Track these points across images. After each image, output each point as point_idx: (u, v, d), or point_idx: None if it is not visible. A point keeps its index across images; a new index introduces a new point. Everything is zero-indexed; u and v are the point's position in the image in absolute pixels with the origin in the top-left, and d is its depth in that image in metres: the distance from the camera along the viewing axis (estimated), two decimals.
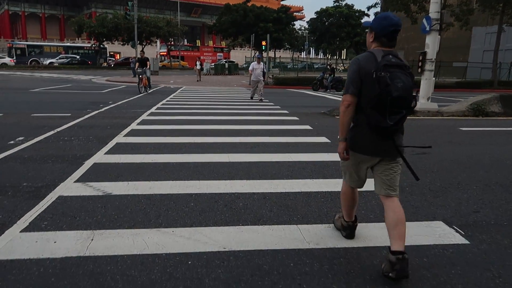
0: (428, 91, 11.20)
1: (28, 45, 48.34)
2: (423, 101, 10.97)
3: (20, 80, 23.17)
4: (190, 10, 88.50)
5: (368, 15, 54.66)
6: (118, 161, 4.99)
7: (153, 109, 10.44)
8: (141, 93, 15.40)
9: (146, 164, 4.85)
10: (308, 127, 8.12)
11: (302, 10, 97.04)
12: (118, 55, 64.22)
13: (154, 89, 18.83)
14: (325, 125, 8.38)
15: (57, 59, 44.20)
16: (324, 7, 53.31)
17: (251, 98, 14.27)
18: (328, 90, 21.06)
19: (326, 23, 53.93)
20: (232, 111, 10.59)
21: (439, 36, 11.08)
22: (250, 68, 13.91)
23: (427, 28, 10.93)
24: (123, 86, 20.54)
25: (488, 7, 23.14)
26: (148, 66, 16.52)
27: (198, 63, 27.33)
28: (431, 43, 10.92)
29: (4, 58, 42.12)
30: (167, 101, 12.99)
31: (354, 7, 53.59)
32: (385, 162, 2.49)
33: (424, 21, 11.14)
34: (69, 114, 8.93)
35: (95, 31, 42.34)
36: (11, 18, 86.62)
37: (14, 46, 46.40)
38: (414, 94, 2.32)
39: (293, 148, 6.00)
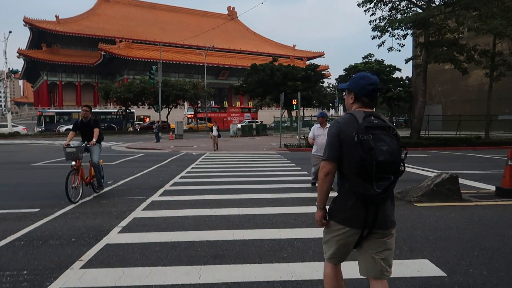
0: None
1: (56, 113, 48.99)
2: None
3: (32, 151, 21.67)
4: (218, 73, 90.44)
5: (400, 70, 52.72)
6: None
7: (157, 195, 7.82)
8: (74, 203, 6.86)
9: None
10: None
11: (328, 68, 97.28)
12: (148, 118, 64.60)
13: (175, 156, 16.51)
14: (409, 224, 5.43)
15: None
16: (353, 64, 51.87)
17: (313, 184, 8.57)
18: None
19: None
20: (268, 194, 7.80)
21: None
22: (311, 135, 8.29)
23: None
24: (141, 155, 18.46)
25: None
26: (95, 139, 7.55)
27: (214, 127, 20.89)
28: None
29: (17, 126, 41.99)
30: (182, 177, 10.45)
31: (385, 62, 51.82)
32: (377, 236, 2.23)
33: None
34: (37, 210, 6.39)
35: (121, 96, 42.20)
36: (49, 87, 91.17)
37: (43, 114, 47.03)
38: (403, 156, 2.13)
39: None
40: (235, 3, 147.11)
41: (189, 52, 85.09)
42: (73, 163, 7.13)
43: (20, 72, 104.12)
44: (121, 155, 18.38)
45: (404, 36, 24.29)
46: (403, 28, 21.34)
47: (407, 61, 24.34)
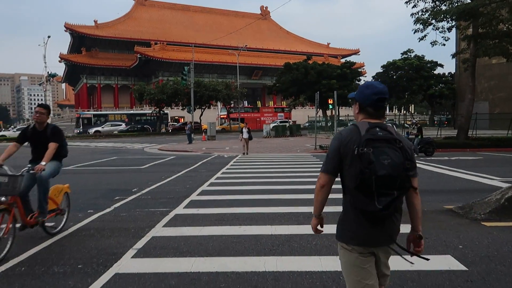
0: None
1: (94, 115, 50.24)
2: None
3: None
4: (251, 73, 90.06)
5: (442, 66, 49.93)
6: None
7: (181, 207, 7.14)
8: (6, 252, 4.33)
9: None
10: (452, 259, 4.19)
11: (364, 66, 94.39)
12: (182, 119, 65.15)
13: (206, 159, 15.96)
14: (482, 253, 4.39)
15: (102, 127, 44.13)
16: (391, 60, 49.61)
17: None
18: (416, 155, 16.81)
19: (394, 76, 49.89)
20: (305, 207, 6.94)
21: None
22: None
23: None
24: (171, 158, 18.06)
25: None
26: (45, 161, 4.76)
27: (244, 129, 19.03)
28: None
29: (8, 130, 42.55)
30: (211, 184, 9.76)
31: (425, 58, 49.20)
32: (383, 251, 2.17)
33: None
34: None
35: (155, 98, 42.47)
36: (89, 90, 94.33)
37: (81, 116, 48.34)
38: (411, 172, 2.00)
39: None
40: (268, 2, 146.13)
41: (222, 52, 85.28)
42: (3, 199, 4.40)
43: (62, 76, 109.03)
44: (152, 157, 18.06)
45: (450, 28, 22.52)
46: (450, 19, 19.66)
47: (453, 55, 22.51)
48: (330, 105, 24.56)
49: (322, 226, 2.37)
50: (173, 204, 7.22)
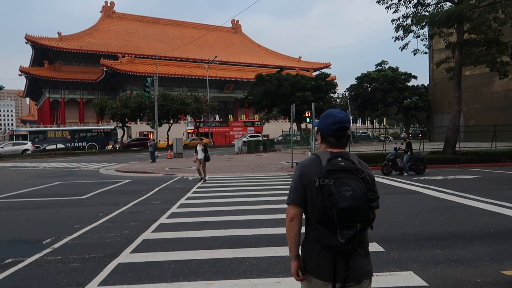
0: None
1: (30, 131, 45.49)
2: None
3: (2, 177, 18.67)
4: (223, 87, 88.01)
5: (416, 77, 49.39)
6: None
7: (100, 278, 4.66)
8: None
9: None
10: None
11: (335, 79, 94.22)
12: (151, 135, 61.69)
13: (166, 183, 13.29)
14: None
15: (1, 147, 37.27)
16: (366, 72, 48.64)
17: None
18: (406, 174, 14.90)
19: (369, 88, 48.89)
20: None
21: None
22: None
23: None
24: (127, 181, 15.38)
25: None
26: None
27: (199, 147, 14.57)
28: None
29: None
30: (158, 227, 7.26)
31: (399, 70, 48.49)
32: None
33: None
34: None
35: (118, 112, 39.22)
36: (52, 105, 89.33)
37: (15, 133, 43.76)
38: (374, 204, 1.91)
39: None
40: (239, 17, 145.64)
41: (193, 66, 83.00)
42: None
43: (23, 90, 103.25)
44: (104, 182, 15.30)
45: (432, 36, 21.24)
46: (433, 25, 18.15)
47: (437, 65, 21.01)
48: (307, 118, 22.53)
49: (303, 272, 2.08)
50: (88, 272, 4.69)
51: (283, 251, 5.12)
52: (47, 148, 40.54)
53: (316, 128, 2.23)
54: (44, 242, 6.13)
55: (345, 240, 1.85)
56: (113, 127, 47.72)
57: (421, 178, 13.89)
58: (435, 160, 18.53)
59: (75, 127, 53.54)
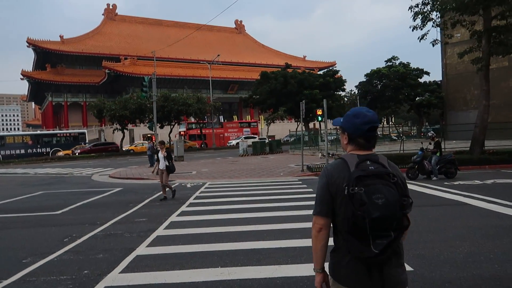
0: None
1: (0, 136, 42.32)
2: None
3: None
4: (227, 87, 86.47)
5: (428, 73, 47.21)
6: None
7: None
8: None
9: None
10: None
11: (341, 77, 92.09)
12: (155, 137, 59.98)
13: (160, 193, 11.43)
14: None
15: None
16: (376, 68, 46.49)
17: None
18: (435, 178, 12.96)
19: (379, 86, 46.77)
20: None
21: None
22: None
23: None
24: (116, 190, 13.61)
25: None
26: None
27: (160, 155, 11.03)
28: None
29: None
30: (135, 260, 5.46)
31: (411, 65, 46.32)
32: None
33: None
34: None
35: (116, 114, 37.47)
36: (54, 108, 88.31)
37: None
38: (408, 210, 1.75)
39: None
40: (242, 17, 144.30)
41: (196, 67, 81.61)
42: None
43: (26, 95, 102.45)
44: (91, 191, 13.55)
45: (454, 24, 19.26)
46: (462, 8, 16.17)
47: (461, 56, 18.99)
48: (319, 117, 20.67)
49: (328, 285, 1.95)
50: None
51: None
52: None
53: (338, 127, 1.98)
54: None
55: (379, 251, 1.71)
56: (82, 131, 45.02)
57: (454, 183, 11.96)
58: (462, 161, 16.51)
59: (38, 132, 50.61)
